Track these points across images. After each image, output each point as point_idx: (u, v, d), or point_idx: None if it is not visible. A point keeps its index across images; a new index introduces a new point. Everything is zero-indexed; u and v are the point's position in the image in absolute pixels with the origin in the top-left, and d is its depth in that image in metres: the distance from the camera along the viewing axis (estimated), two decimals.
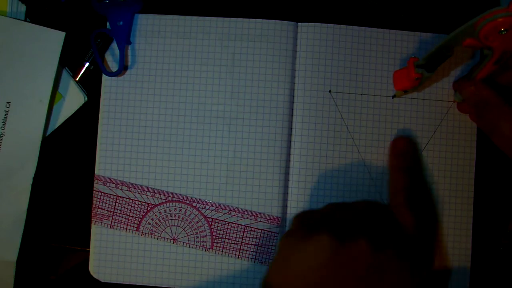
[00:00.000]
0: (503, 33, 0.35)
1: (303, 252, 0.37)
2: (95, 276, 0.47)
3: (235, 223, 0.46)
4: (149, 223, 0.47)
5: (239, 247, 0.46)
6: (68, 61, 0.47)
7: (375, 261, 0.36)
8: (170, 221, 0.47)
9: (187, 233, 0.47)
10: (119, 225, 0.47)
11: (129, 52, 0.47)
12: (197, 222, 0.46)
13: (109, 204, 0.47)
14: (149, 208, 0.47)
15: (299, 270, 0.37)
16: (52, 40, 0.44)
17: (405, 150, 0.45)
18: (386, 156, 0.47)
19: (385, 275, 0.36)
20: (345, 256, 0.36)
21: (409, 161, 0.45)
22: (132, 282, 0.47)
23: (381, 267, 0.36)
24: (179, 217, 0.47)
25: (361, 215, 0.40)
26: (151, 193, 0.47)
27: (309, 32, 0.46)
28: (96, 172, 0.47)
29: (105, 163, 0.47)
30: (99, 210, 0.47)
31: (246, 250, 0.46)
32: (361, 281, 0.36)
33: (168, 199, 0.47)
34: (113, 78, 0.47)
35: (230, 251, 0.46)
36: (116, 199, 0.47)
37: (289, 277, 0.37)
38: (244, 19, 0.47)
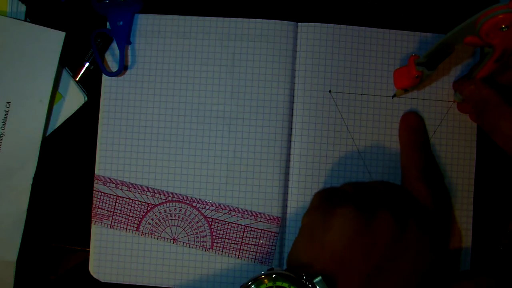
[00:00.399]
0: (504, 30, 0.35)
1: (330, 226, 0.38)
2: (95, 276, 0.47)
3: (235, 223, 0.46)
4: (149, 223, 0.47)
5: (239, 247, 0.46)
6: (68, 61, 0.47)
7: (398, 231, 0.37)
8: (170, 221, 0.47)
9: (187, 233, 0.47)
10: (119, 225, 0.47)
11: (129, 52, 0.47)
12: (197, 222, 0.46)
13: (109, 204, 0.47)
14: (149, 208, 0.47)
15: (327, 244, 0.37)
16: (52, 40, 0.44)
17: (417, 126, 0.46)
18: (386, 156, 0.47)
19: (407, 245, 0.38)
20: (370, 226, 0.37)
21: (421, 136, 0.46)
22: (132, 282, 0.47)
23: (404, 237, 0.37)
24: (179, 217, 0.47)
25: (380, 191, 0.41)
26: (151, 193, 0.47)
27: (309, 32, 0.46)
28: (96, 172, 0.47)
29: (105, 163, 0.47)
30: (99, 210, 0.47)
31: (246, 250, 0.46)
32: (386, 251, 0.37)
33: (168, 199, 0.47)
34: (113, 78, 0.47)
35: (230, 251, 0.46)
36: (116, 199, 0.47)
37: (318, 253, 0.38)
38: (244, 19, 0.47)
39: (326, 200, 0.40)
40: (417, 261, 0.38)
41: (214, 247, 0.46)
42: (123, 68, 0.46)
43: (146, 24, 0.47)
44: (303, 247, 0.39)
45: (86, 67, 0.47)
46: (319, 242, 0.38)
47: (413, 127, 0.46)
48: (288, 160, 0.46)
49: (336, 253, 0.37)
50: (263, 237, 0.46)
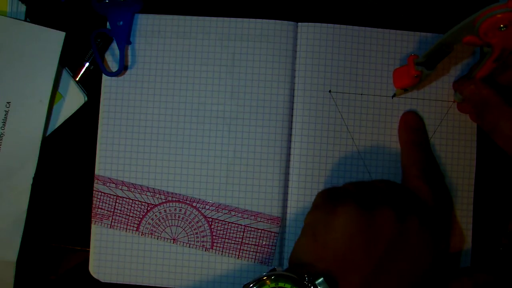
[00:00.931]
0: (502, 29, 0.35)
1: (332, 225, 0.38)
2: (95, 276, 0.47)
3: (235, 223, 0.46)
4: (149, 223, 0.47)
5: (239, 247, 0.46)
6: (68, 61, 0.47)
7: (400, 228, 0.37)
8: (170, 221, 0.47)
9: (187, 233, 0.47)
10: (119, 225, 0.47)
11: (129, 52, 0.47)
12: (197, 222, 0.46)
13: (109, 204, 0.47)
14: (149, 208, 0.47)
15: (329, 243, 0.37)
16: (52, 40, 0.45)
17: (417, 125, 0.46)
18: (386, 156, 0.47)
19: (409, 242, 0.38)
20: (372, 224, 0.37)
21: (421, 135, 0.46)
22: (132, 282, 0.47)
23: (405, 234, 0.37)
24: (179, 217, 0.47)
25: (381, 189, 0.41)
26: (151, 193, 0.47)
27: (309, 32, 0.46)
28: (96, 172, 0.47)
29: (105, 163, 0.47)
30: (99, 210, 0.47)
31: (246, 250, 0.46)
32: (388, 248, 0.37)
33: (168, 199, 0.47)
34: (113, 78, 0.47)
35: (230, 251, 0.46)
36: (116, 199, 0.47)
37: (320, 252, 0.37)
38: (244, 19, 0.47)
39: (328, 199, 0.40)
40: (419, 258, 0.38)
41: (214, 247, 0.46)
42: (123, 68, 0.46)
43: (146, 24, 0.47)
44: (305, 246, 0.39)
45: (86, 67, 0.47)
46: (321, 242, 0.37)
47: (413, 127, 0.46)
48: (288, 160, 0.46)
49: (338, 252, 0.37)
50: (263, 237, 0.46)
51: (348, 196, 0.39)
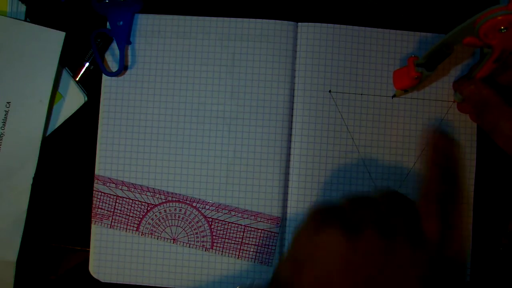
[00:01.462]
0: (502, 31, 0.35)
1: (313, 248, 0.36)
2: (95, 276, 0.47)
3: (235, 223, 0.46)
4: (149, 223, 0.47)
5: (239, 247, 0.46)
6: (68, 61, 0.47)
7: (388, 255, 0.35)
8: (170, 221, 0.47)
9: (187, 233, 0.47)
10: (119, 225, 0.47)
11: (129, 52, 0.47)
12: (197, 222, 0.46)
13: (109, 204, 0.47)
14: (149, 208, 0.47)
15: (308, 267, 0.36)
16: (52, 40, 0.44)
17: (448, 149, 0.39)
18: (386, 156, 0.47)
19: (396, 271, 0.35)
20: (355, 250, 0.35)
21: (450, 162, 0.39)
22: (132, 282, 0.47)
23: (393, 262, 0.35)
24: (179, 217, 0.47)
25: (375, 205, 0.37)
26: (151, 193, 0.47)
27: (309, 32, 0.46)
28: (96, 172, 0.47)
29: (105, 163, 0.47)
30: (99, 210, 0.47)
31: (246, 250, 0.46)
32: (372, 275, 0.35)
33: (168, 199, 0.47)
34: (113, 78, 0.47)
35: (230, 251, 0.46)
36: (116, 199, 0.47)
37: (298, 276, 0.36)
38: (244, 19, 0.47)
39: (315, 219, 0.38)
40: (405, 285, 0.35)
41: (214, 247, 0.46)
42: (123, 68, 0.46)
43: (146, 24, 0.47)
44: (285, 266, 0.37)
45: (86, 67, 0.47)
46: (300, 265, 0.36)
47: (441, 149, 0.39)
48: (288, 160, 0.46)
49: (317, 278, 0.35)
50: (263, 237, 0.46)
51: (335, 218, 0.36)
